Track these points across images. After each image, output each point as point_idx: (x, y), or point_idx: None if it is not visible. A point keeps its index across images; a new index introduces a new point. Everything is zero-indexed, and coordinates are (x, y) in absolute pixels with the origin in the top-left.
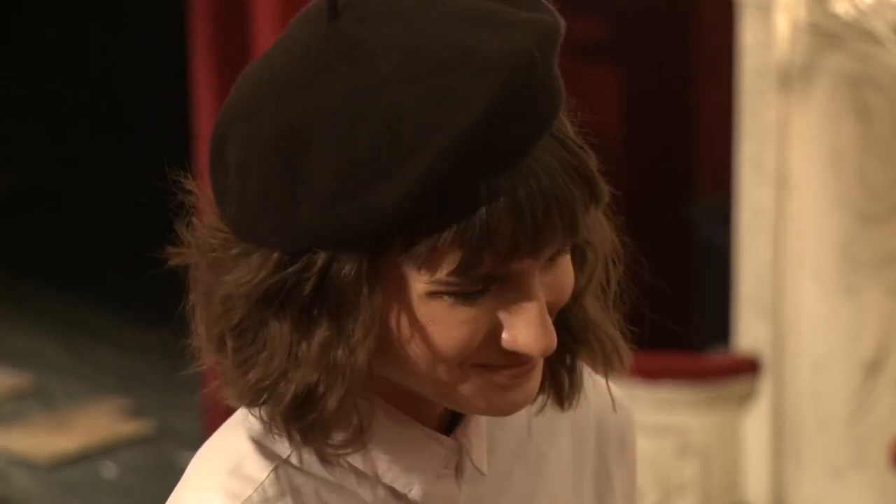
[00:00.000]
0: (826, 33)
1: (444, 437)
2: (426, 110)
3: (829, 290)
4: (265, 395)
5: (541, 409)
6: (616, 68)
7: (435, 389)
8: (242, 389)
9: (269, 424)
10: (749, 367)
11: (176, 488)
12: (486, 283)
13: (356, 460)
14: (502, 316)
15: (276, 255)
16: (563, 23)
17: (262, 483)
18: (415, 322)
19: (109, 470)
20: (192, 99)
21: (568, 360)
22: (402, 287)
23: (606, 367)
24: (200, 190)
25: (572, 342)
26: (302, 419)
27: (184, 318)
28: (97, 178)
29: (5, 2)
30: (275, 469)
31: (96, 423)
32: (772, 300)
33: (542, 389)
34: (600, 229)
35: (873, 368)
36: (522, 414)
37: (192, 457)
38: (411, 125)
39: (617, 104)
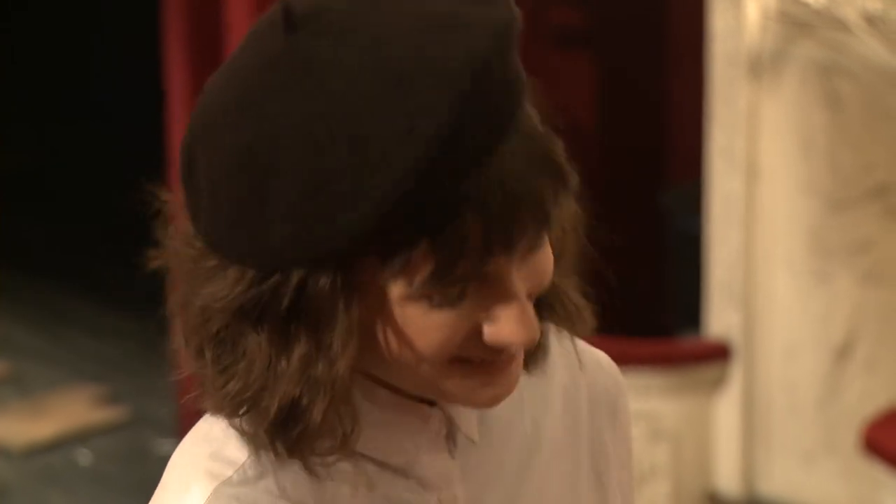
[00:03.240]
0: (796, 21)
1: (431, 408)
2: (387, 126)
3: (800, 276)
4: (245, 407)
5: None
6: (589, 56)
7: (418, 386)
8: (222, 401)
9: (252, 438)
10: (720, 353)
11: (162, 477)
12: (462, 286)
13: None
14: (483, 315)
15: (251, 272)
16: (518, 14)
17: (242, 464)
18: (395, 328)
19: (84, 457)
20: (166, 91)
21: None
22: (379, 297)
23: (570, 329)
24: (175, 198)
25: (537, 306)
26: (287, 433)
27: (162, 306)
28: (75, 165)
29: None
30: (255, 450)
31: (71, 410)
32: (743, 287)
33: None
34: (567, 205)
35: (843, 354)
36: None
37: (166, 444)
38: (374, 142)
39: (589, 92)
